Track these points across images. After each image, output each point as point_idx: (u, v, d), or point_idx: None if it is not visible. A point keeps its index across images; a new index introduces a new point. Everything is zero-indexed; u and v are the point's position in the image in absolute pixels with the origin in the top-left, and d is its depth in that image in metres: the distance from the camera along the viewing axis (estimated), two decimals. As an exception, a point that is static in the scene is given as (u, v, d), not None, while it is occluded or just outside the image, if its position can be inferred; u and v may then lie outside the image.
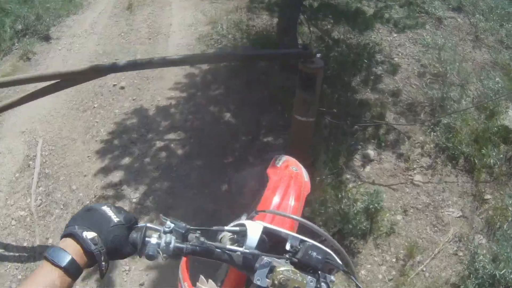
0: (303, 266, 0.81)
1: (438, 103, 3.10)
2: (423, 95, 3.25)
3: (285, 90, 3.18)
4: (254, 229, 0.83)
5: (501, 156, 2.67)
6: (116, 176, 2.83)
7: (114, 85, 3.62)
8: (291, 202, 1.15)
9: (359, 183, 2.66)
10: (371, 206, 2.32)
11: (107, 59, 3.98)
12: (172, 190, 2.70)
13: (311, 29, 3.56)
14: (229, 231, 0.86)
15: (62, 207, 2.67)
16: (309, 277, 0.79)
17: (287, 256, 0.83)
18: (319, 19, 3.37)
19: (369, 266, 2.28)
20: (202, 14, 4.45)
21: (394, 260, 2.30)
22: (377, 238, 2.36)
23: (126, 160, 2.94)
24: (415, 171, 2.73)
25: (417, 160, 2.79)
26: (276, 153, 2.86)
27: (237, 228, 0.85)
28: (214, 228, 0.88)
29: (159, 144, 3.05)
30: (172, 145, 3.03)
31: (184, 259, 0.95)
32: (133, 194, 2.70)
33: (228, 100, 3.40)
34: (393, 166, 2.77)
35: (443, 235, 2.40)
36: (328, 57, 3.45)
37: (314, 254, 0.81)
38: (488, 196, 2.54)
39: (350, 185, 2.62)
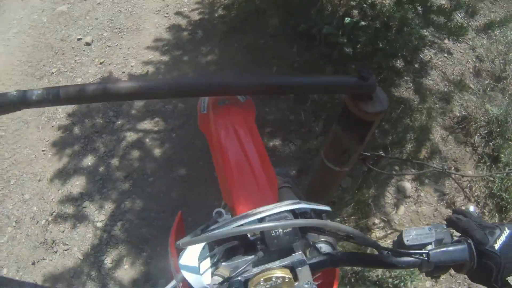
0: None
1: (497, 125, 2.38)
2: (479, 107, 2.50)
3: (308, 63, 2.41)
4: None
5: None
6: (76, 185, 2.17)
7: (78, 39, 2.74)
8: (248, 145, 0.96)
9: (389, 231, 2.07)
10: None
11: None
12: (147, 215, 2.06)
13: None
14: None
15: (14, 224, 2.08)
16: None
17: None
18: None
19: None
20: None
21: None
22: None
23: (89, 161, 2.24)
24: (458, 223, 2.13)
25: (462, 208, 2.18)
26: (284, 171, 2.18)
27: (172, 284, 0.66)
28: None
29: (130, 137, 2.33)
30: (147, 140, 2.32)
31: None
32: (98, 216, 2.09)
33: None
34: (432, 211, 2.16)
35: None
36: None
37: (280, 233, 0.61)
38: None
39: (377, 233, 2.04)
